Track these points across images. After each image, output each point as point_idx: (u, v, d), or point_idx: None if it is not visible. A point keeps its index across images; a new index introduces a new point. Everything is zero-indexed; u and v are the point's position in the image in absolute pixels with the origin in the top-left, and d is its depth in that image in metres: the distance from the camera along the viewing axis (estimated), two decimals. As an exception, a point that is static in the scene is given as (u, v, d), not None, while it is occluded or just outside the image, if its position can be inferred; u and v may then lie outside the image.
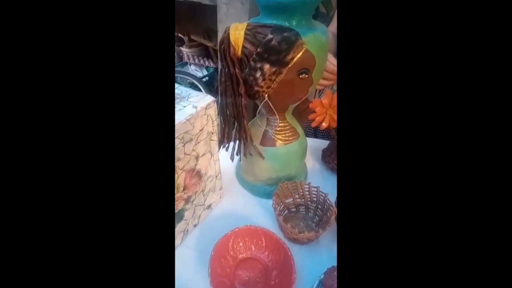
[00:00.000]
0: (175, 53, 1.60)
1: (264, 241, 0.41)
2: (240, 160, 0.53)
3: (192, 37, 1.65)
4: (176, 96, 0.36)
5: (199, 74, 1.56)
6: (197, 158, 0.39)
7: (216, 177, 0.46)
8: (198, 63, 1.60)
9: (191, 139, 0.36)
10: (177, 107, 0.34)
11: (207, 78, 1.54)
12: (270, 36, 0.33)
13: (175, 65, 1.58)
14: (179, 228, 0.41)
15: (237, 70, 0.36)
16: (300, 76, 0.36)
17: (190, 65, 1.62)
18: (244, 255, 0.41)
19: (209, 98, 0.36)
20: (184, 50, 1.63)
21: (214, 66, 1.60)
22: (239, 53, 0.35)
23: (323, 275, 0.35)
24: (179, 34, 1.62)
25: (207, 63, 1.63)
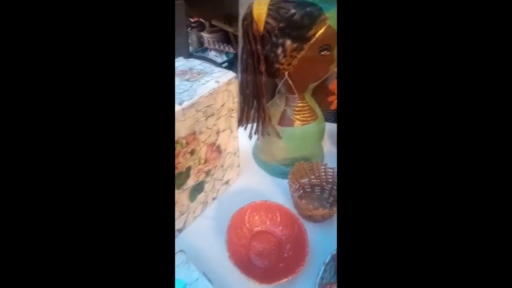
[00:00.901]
0: (196, 38, 1.62)
1: (279, 216, 0.43)
2: (257, 139, 0.55)
3: (213, 22, 1.65)
4: (199, 71, 0.37)
5: (219, 60, 1.57)
6: (217, 133, 0.41)
7: (235, 154, 0.48)
8: (218, 48, 1.61)
9: (213, 114, 0.38)
10: (200, 81, 0.35)
11: (226, 63, 1.55)
12: (292, 10, 0.33)
13: (196, 50, 1.60)
14: (199, 199, 0.44)
15: (258, 47, 0.37)
16: (322, 53, 0.36)
17: (210, 51, 1.63)
18: (259, 228, 0.43)
19: (231, 74, 0.37)
20: (205, 35, 1.64)
21: (233, 52, 1.60)
22: (262, 29, 0.35)
23: (335, 251, 0.36)
24: (200, 19, 1.63)
25: (227, 48, 1.63)
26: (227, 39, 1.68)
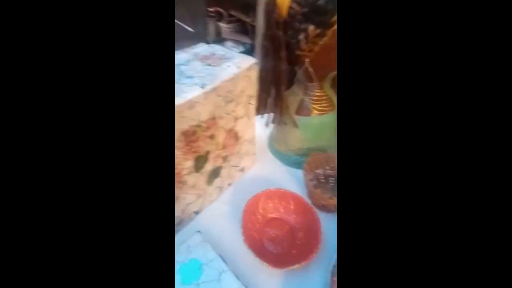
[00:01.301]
0: (214, 28, 1.62)
1: (292, 204, 0.43)
2: (273, 128, 0.55)
3: (231, 12, 1.64)
4: (221, 56, 0.38)
5: (236, 50, 1.57)
6: (236, 119, 0.41)
7: (251, 141, 0.49)
8: (235, 38, 1.61)
9: (232, 100, 0.38)
10: (222, 66, 0.36)
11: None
12: (318, -5, 0.32)
13: (213, 40, 1.60)
14: (215, 183, 0.45)
15: (280, 33, 0.36)
16: (345, 40, 0.35)
17: (227, 41, 1.63)
18: (273, 215, 0.43)
19: (251, 60, 0.37)
20: (223, 25, 1.64)
21: (250, 42, 1.59)
22: (285, 14, 0.35)
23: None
24: (219, 9, 1.62)
25: (243, 39, 1.62)
26: (245, 29, 1.66)
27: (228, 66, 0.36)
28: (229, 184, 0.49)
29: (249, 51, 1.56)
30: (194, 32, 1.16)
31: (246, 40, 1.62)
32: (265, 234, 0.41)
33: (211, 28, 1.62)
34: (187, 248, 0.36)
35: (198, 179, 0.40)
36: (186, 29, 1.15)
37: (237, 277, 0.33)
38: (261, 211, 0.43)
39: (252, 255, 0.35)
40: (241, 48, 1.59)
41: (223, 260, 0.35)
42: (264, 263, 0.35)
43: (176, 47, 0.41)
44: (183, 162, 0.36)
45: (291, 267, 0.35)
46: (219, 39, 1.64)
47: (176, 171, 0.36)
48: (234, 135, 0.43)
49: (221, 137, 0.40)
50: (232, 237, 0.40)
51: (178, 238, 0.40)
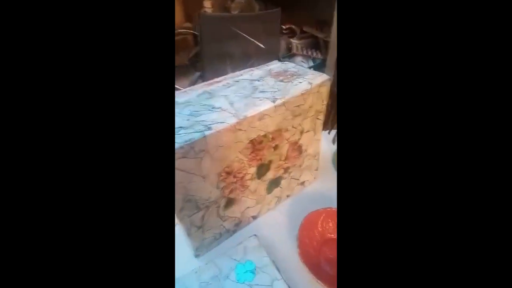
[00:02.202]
0: (285, 44, 1.69)
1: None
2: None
3: (304, 29, 1.68)
4: (293, 73, 0.40)
5: (305, 66, 1.59)
6: (301, 132, 0.42)
7: (315, 156, 0.48)
8: (306, 54, 1.63)
9: (300, 114, 0.39)
10: (294, 82, 0.37)
11: (312, 69, 1.54)
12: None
13: (283, 55, 1.67)
14: (274, 193, 0.46)
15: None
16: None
17: (297, 56, 1.67)
18: (333, 235, 0.41)
19: (324, 77, 0.38)
20: (294, 41, 1.69)
21: (321, 57, 1.58)
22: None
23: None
24: (292, 26, 1.69)
25: (315, 54, 1.63)
26: (316, 44, 1.67)
27: (300, 82, 0.37)
28: (288, 196, 0.49)
29: (319, 67, 1.55)
30: (266, 49, 1.24)
31: (317, 55, 1.62)
32: (322, 254, 0.40)
33: (282, 44, 1.69)
34: (244, 249, 0.38)
35: (259, 185, 0.43)
36: (259, 46, 1.24)
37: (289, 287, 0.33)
38: (319, 229, 0.42)
39: (306, 270, 0.35)
40: (311, 63, 1.60)
41: (277, 268, 0.35)
42: (319, 281, 0.33)
43: (250, 65, 0.45)
44: (247, 168, 0.39)
45: (347, 295, 0.32)
46: (289, 55, 1.69)
47: (240, 175, 0.39)
48: (298, 148, 0.44)
49: (285, 148, 0.42)
50: (287, 248, 0.40)
51: (235, 238, 0.43)
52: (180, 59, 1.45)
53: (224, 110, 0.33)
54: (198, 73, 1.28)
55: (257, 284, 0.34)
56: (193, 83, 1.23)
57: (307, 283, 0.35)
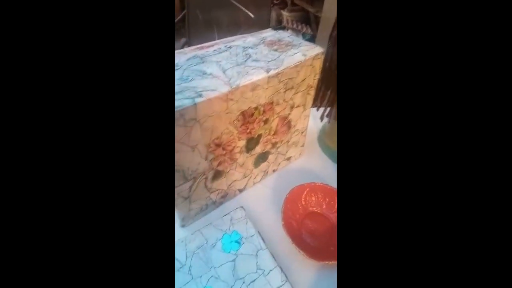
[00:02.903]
0: (276, 15, 1.61)
1: (336, 202, 0.42)
2: (328, 122, 0.53)
3: (295, 1, 1.61)
4: (288, 43, 0.38)
5: (294, 41, 1.54)
6: (292, 107, 0.41)
7: (302, 132, 0.48)
8: (296, 28, 1.57)
9: (292, 87, 0.38)
10: (288, 52, 0.36)
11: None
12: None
13: (274, 28, 1.60)
14: (261, 168, 0.46)
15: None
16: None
17: (287, 30, 1.61)
18: (315, 209, 0.43)
19: (319, 49, 0.37)
20: (285, 14, 1.62)
21: (310, 33, 1.54)
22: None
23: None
24: (283, -3, 1.60)
25: (304, 29, 1.58)
26: (307, 19, 1.62)
27: (295, 53, 0.36)
28: (274, 170, 0.50)
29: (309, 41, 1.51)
30: (256, 19, 1.18)
31: (307, 30, 1.57)
32: (304, 226, 0.41)
33: (272, 15, 1.61)
34: (231, 220, 0.38)
35: (247, 159, 0.42)
36: (248, 15, 1.17)
37: (273, 257, 0.34)
38: (303, 202, 0.43)
39: (289, 241, 0.36)
40: (301, 38, 1.56)
41: (262, 238, 0.36)
42: (301, 252, 0.35)
43: (238, 33, 0.42)
44: (237, 141, 0.38)
45: (326, 262, 0.35)
46: (279, 27, 1.63)
47: (229, 148, 0.38)
48: (287, 123, 0.44)
49: (274, 123, 0.41)
50: (272, 220, 0.41)
51: (221, 210, 0.43)
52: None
53: (216, 77, 0.31)
54: (184, 39, 1.20)
55: (243, 254, 0.35)
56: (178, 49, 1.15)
57: (289, 252, 0.37)
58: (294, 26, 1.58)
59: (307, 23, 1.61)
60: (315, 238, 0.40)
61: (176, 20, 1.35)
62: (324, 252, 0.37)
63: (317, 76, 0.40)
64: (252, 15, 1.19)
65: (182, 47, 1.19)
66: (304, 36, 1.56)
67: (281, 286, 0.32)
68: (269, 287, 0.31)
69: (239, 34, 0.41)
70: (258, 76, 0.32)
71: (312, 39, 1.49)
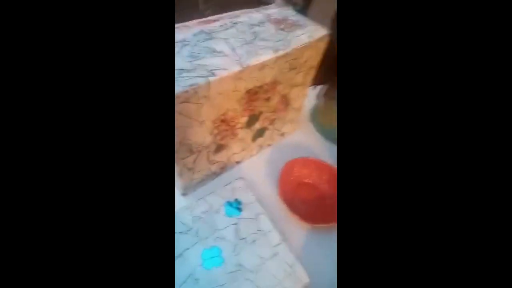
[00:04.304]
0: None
1: (326, 174, 0.47)
2: (322, 100, 0.56)
3: (289, -35, 1.51)
4: (293, 22, 0.38)
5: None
6: (292, 86, 0.43)
7: (298, 110, 0.51)
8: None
9: (296, 67, 0.40)
10: (295, 33, 0.37)
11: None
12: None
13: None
14: (258, 142, 0.49)
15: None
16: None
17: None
18: (307, 180, 0.48)
19: (324, 31, 0.38)
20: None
21: (301, 5, 1.48)
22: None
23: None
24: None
25: (295, 0, 1.51)
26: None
27: (301, 33, 0.37)
28: (269, 145, 0.53)
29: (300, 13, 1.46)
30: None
31: (298, 1, 1.51)
32: (297, 194, 0.46)
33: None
34: (232, 189, 0.42)
35: (246, 134, 0.45)
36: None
37: (271, 220, 0.39)
38: (296, 174, 0.48)
39: (284, 207, 0.41)
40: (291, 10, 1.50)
41: (261, 205, 0.41)
42: (295, 216, 0.40)
43: (229, 9, 0.41)
44: (239, 117, 0.40)
45: (316, 225, 0.40)
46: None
47: (232, 124, 0.40)
48: (286, 101, 0.46)
49: (275, 101, 0.43)
50: (267, 189, 0.46)
51: (221, 180, 0.47)
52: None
53: (227, 56, 0.32)
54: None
55: (244, 218, 0.39)
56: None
57: (285, 217, 0.42)
58: (286, -6, 1.51)
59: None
60: (306, 205, 0.45)
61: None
62: (314, 216, 0.42)
63: (320, 57, 0.42)
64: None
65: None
66: (295, 7, 1.50)
67: (278, 244, 0.37)
68: (268, 246, 0.36)
69: (228, 7, 0.41)
70: (266, 56, 0.34)
71: (303, 11, 1.45)
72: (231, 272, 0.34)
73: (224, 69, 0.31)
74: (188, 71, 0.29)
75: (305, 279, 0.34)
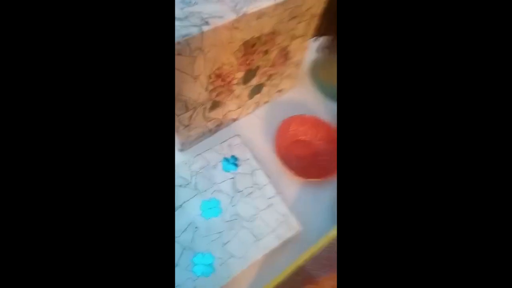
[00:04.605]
0: None
1: (322, 132, 0.48)
2: (323, 54, 0.53)
3: None
4: (297, -40, 0.34)
5: None
6: (292, 38, 0.40)
7: (298, 65, 0.49)
8: None
9: (296, 16, 0.36)
10: (298, -26, 0.33)
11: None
12: None
13: None
14: (254, 99, 0.48)
15: None
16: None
17: None
18: (302, 137, 0.49)
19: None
20: None
21: None
22: None
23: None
24: None
25: None
26: None
27: (304, -25, 0.32)
28: (265, 102, 0.52)
29: None
30: None
31: None
32: (292, 151, 0.48)
33: None
34: (229, 145, 0.43)
35: (243, 91, 0.43)
36: None
37: (267, 175, 0.41)
38: (292, 131, 0.48)
39: (279, 163, 0.43)
40: None
41: (257, 161, 0.42)
42: (290, 171, 0.42)
43: None
44: (235, 72, 0.38)
45: (309, 179, 0.43)
46: None
47: (228, 79, 0.38)
48: (285, 55, 0.43)
49: (273, 54, 0.41)
50: (263, 146, 0.47)
51: (217, 137, 0.47)
52: None
53: (221, 1, 0.29)
54: None
55: (240, 173, 0.41)
56: None
57: (281, 172, 0.44)
58: None
59: None
60: (301, 160, 0.47)
61: None
62: (308, 171, 0.45)
63: (323, 5, 0.38)
64: None
65: None
66: None
67: (273, 196, 0.39)
68: (263, 198, 0.39)
69: None
70: (265, 2, 0.30)
71: None
72: (228, 221, 0.37)
73: (219, 17, 0.28)
74: (180, 19, 0.26)
75: (298, 227, 0.37)
